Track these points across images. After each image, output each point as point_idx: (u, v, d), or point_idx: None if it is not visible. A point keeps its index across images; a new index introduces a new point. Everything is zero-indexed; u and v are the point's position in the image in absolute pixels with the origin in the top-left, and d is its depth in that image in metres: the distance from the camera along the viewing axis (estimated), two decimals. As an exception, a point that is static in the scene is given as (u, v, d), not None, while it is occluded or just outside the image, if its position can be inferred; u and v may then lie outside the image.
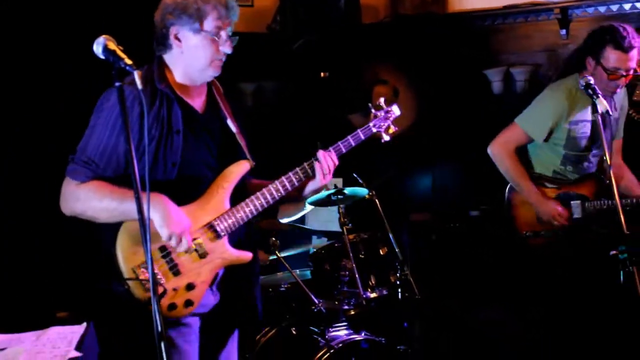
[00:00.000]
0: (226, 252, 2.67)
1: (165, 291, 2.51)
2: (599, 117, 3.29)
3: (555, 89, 3.96)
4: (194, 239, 2.58)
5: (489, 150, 4.08)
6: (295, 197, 2.93)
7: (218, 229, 2.65)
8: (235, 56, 2.74)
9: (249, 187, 2.82)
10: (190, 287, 2.58)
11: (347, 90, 5.44)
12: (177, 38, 2.62)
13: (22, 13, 4.00)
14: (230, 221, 2.67)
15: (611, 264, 3.15)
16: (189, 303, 2.58)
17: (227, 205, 2.69)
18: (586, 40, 3.94)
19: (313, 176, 2.82)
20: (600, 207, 3.83)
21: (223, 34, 2.63)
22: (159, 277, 2.52)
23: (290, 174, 2.78)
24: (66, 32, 3.99)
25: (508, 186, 4.08)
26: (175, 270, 2.57)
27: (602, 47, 3.77)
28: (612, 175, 3.24)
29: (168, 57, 2.68)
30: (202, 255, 2.62)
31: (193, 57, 2.64)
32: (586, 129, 3.91)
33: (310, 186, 2.88)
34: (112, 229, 2.54)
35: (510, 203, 4.07)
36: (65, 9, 4.09)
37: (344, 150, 2.89)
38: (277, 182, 2.76)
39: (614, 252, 3.13)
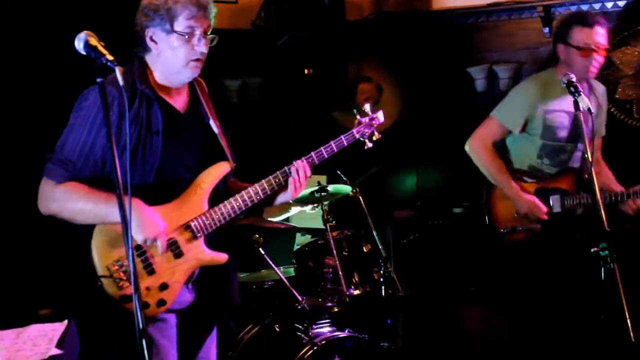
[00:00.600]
0: (202, 253, 2.66)
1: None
2: (581, 115, 3.31)
3: (529, 81, 4.03)
4: (170, 239, 2.57)
5: (467, 147, 4.07)
6: (270, 203, 2.92)
7: (195, 229, 2.63)
8: (220, 53, 2.73)
9: (229, 188, 2.80)
10: (163, 286, 2.57)
11: (332, 87, 5.44)
12: (152, 40, 2.60)
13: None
14: (207, 222, 2.65)
15: (592, 261, 3.17)
16: (161, 303, 2.57)
17: (206, 206, 2.67)
18: (554, 32, 4.03)
19: (285, 187, 2.80)
20: (580, 202, 3.84)
21: (197, 32, 2.58)
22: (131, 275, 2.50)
23: (264, 181, 2.76)
24: (47, 31, 3.96)
25: (486, 183, 4.05)
26: (149, 270, 2.55)
27: (569, 30, 3.84)
28: (592, 172, 3.27)
29: (148, 58, 2.66)
30: (177, 255, 2.61)
31: (168, 58, 2.61)
32: (563, 119, 3.91)
33: (281, 197, 2.87)
34: (88, 227, 2.52)
35: (489, 199, 4.05)
36: (49, 9, 4.07)
37: (326, 156, 2.87)
38: (251, 188, 2.74)
39: (595, 249, 3.15)
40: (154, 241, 2.49)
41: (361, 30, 5.47)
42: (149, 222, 2.49)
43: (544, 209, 3.85)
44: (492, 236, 4.01)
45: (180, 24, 2.57)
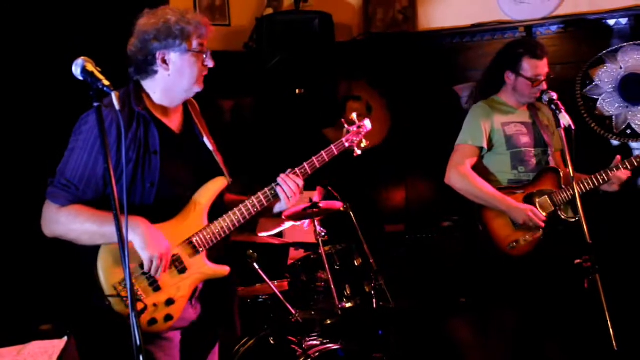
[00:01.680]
0: (205, 267, 2.67)
1: (145, 307, 2.51)
2: (562, 131, 3.34)
3: (476, 105, 4.11)
4: (173, 255, 2.58)
5: (447, 181, 4.02)
6: (268, 214, 2.93)
7: (196, 244, 2.65)
8: (214, 74, 2.75)
9: (226, 203, 2.81)
10: (170, 302, 2.57)
11: (322, 106, 5.45)
12: (164, 62, 2.62)
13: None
14: (208, 237, 2.67)
15: (576, 272, 3.18)
16: (168, 318, 2.57)
17: (205, 222, 2.69)
18: (500, 58, 4.11)
19: (278, 199, 2.81)
20: (567, 196, 3.85)
21: (205, 50, 2.66)
22: (139, 293, 2.51)
23: (260, 194, 2.78)
24: (45, 54, 3.96)
25: (476, 209, 3.96)
26: (155, 286, 2.56)
27: (519, 60, 3.94)
28: (575, 185, 3.29)
29: (149, 82, 2.67)
30: (181, 271, 2.61)
31: (181, 77, 2.64)
32: (519, 128, 3.98)
33: (277, 207, 2.89)
34: (93, 247, 2.53)
35: (483, 222, 3.93)
36: (45, 31, 4.07)
37: (317, 166, 2.88)
38: (248, 201, 2.76)
39: (578, 260, 3.16)
40: (160, 260, 2.49)
41: (350, 51, 5.49)
42: (155, 240, 2.50)
43: (542, 214, 3.83)
44: (497, 253, 3.91)
45: (194, 43, 2.62)
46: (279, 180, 2.80)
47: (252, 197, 2.78)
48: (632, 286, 4.49)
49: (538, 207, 3.87)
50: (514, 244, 3.84)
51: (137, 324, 2.06)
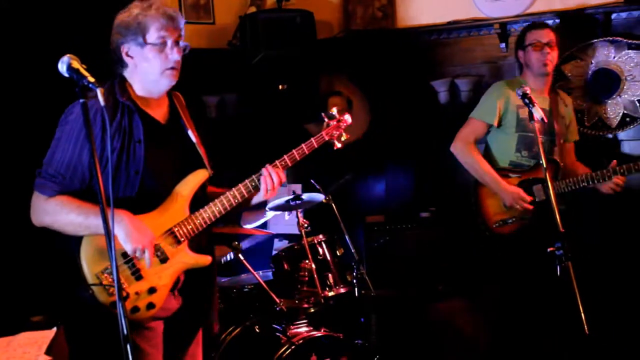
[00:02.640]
0: (186, 257, 2.65)
1: (127, 295, 2.50)
2: (535, 124, 3.35)
3: (497, 83, 4.21)
4: (155, 245, 2.56)
5: (452, 149, 4.15)
6: (248, 205, 2.92)
7: (178, 234, 2.63)
8: (199, 71, 2.74)
9: (208, 195, 2.80)
10: (152, 290, 2.56)
11: (304, 101, 5.44)
12: (128, 55, 2.61)
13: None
14: (189, 227, 2.65)
15: (549, 260, 3.19)
16: (151, 306, 2.56)
17: (187, 212, 2.67)
18: (515, 45, 4.23)
19: (258, 190, 2.80)
20: (561, 189, 3.89)
21: (169, 42, 2.60)
22: (121, 281, 2.49)
23: (240, 185, 2.77)
24: (30, 49, 3.93)
25: (472, 185, 4.10)
26: (137, 275, 2.55)
27: (524, 37, 4.09)
28: (547, 176, 3.31)
29: (126, 74, 2.67)
30: (163, 260, 2.60)
31: (145, 70, 2.62)
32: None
33: (257, 198, 2.87)
34: (77, 237, 2.52)
35: (477, 198, 4.08)
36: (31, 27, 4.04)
37: (298, 158, 2.87)
38: (229, 192, 2.74)
39: (551, 248, 3.18)
40: (143, 251, 2.48)
41: (331, 48, 5.48)
42: (138, 232, 2.48)
43: (528, 198, 3.89)
44: (484, 231, 4.03)
45: (152, 36, 2.58)
46: (261, 171, 2.79)
47: (233, 189, 2.76)
48: (607, 276, 4.54)
49: (535, 193, 3.92)
50: (500, 222, 3.92)
51: (124, 314, 2.04)
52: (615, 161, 3.88)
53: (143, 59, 2.60)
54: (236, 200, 2.74)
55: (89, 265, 2.51)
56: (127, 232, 2.45)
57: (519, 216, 3.92)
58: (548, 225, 3.86)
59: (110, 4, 2.78)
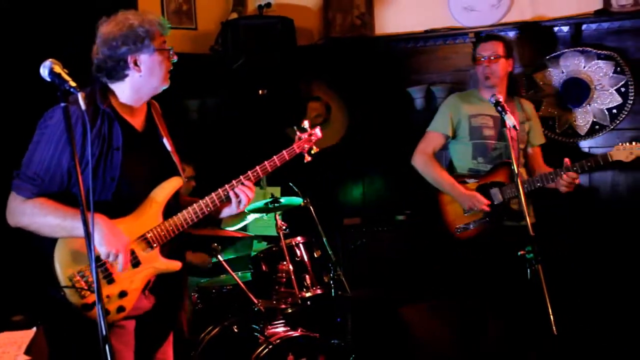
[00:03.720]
0: (157, 262, 2.65)
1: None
2: (507, 131, 3.38)
3: (450, 96, 4.35)
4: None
5: (412, 162, 4.27)
6: (218, 216, 2.91)
7: (150, 240, 2.63)
8: (181, 75, 2.75)
9: (181, 203, 2.80)
10: (122, 294, 2.56)
11: (284, 106, 5.44)
12: (136, 64, 2.59)
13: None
14: (162, 233, 2.65)
15: (519, 263, 3.22)
16: (121, 309, 2.55)
17: (161, 218, 2.67)
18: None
19: (229, 202, 2.81)
20: (529, 186, 3.94)
21: (168, 46, 2.66)
22: (93, 285, 2.48)
23: (213, 194, 2.77)
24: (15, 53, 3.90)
25: (432, 193, 4.15)
26: (109, 279, 2.54)
27: (475, 49, 4.19)
28: (519, 182, 3.33)
29: (118, 84, 2.64)
30: (135, 265, 2.60)
31: (152, 76, 2.62)
32: (486, 121, 4.12)
33: (227, 211, 2.88)
34: (51, 239, 2.50)
35: (438, 206, 4.14)
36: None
37: (269, 170, 2.89)
38: (202, 201, 2.75)
39: (522, 252, 3.20)
40: (116, 255, 2.47)
41: (311, 54, 5.49)
42: (113, 237, 2.47)
43: (485, 201, 3.93)
44: (447, 237, 4.10)
45: (158, 42, 2.61)
46: (232, 183, 2.80)
47: (206, 198, 2.77)
48: (575, 277, 4.58)
49: (492, 196, 3.96)
50: (462, 228, 3.96)
51: (103, 315, 2.03)
52: (567, 159, 3.93)
53: (152, 66, 2.61)
54: (208, 209, 2.75)
55: (62, 267, 2.49)
56: (103, 235, 2.44)
57: (478, 220, 3.98)
58: (508, 226, 3.94)
59: (97, 10, 2.77)
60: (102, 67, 2.61)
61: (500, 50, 4.10)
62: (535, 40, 4.87)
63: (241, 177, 2.81)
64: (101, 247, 2.44)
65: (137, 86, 2.63)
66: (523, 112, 4.23)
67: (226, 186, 2.79)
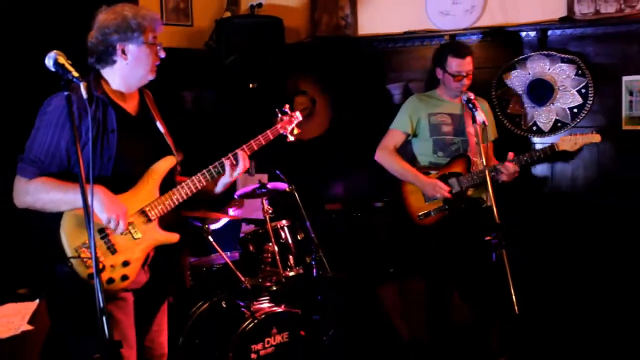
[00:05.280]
0: (156, 234, 2.67)
1: (104, 267, 2.50)
2: (477, 127, 3.40)
3: (410, 97, 4.34)
4: (128, 223, 2.57)
5: (376, 157, 4.26)
6: (213, 191, 2.93)
7: (149, 214, 2.65)
8: (178, 68, 2.75)
9: (177, 181, 2.82)
10: (125, 263, 2.57)
11: (273, 99, 5.41)
12: (123, 52, 2.61)
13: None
14: (160, 207, 2.67)
15: (485, 248, 3.25)
16: (124, 277, 2.57)
17: (157, 194, 2.69)
18: (434, 57, 4.25)
19: (223, 172, 2.83)
20: (472, 180, 3.99)
21: (158, 42, 2.66)
22: (98, 255, 2.49)
23: (205, 170, 2.80)
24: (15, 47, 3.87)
25: (396, 184, 4.18)
26: (112, 250, 2.56)
27: (445, 58, 4.08)
28: (487, 173, 3.36)
29: (108, 70, 2.66)
30: (136, 237, 2.61)
31: (138, 66, 2.64)
32: (445, 119, 4.15)
33: (222, 181, 2.89)
34: (57, 215, 2.51)
35: (402, 195, 4.15)
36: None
37: (255, 148, 2.92)
38: (195, 177, 2.78)
39: (488, 237, 3.23)
40: (117, 221, 2.48)
41: (298, 52, 5.47)
42: (113, 204, 2.49)
43: (446, 187, 3.97)
44: (410, 223, 4.10)
45: (148, 36, 2.62)
46: (229, 156, 2.84)
47: (198, 174, 2.80)
48: (534, 260, 4.62)
49: (451, 185, 3.99)
50: (423, 215, 3.99)
51: (101, 288, 2.04)
52: (511, 153, 3.98)
53: (138, 56, 2.62)
54: (201, 184, 2.77)
55: (68, 239, 2.51)
56: (102, 203, 2.46)
57: (438, 208, 4.01)
58: (465, 213, 3.97)
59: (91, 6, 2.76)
60: (94, 51, 2.63)
61: (472, 66, 4.09)
62: (504, 44, 4.89)
63: (236, 150, 2.85)
64: (102, 214, 2.46)
65: (124, 74, 2.65)
66: (480, 109, 4.22)
67: (222, 159, 2.82)
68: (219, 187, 2.92)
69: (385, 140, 4.26)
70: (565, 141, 3.93)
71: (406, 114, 4.19)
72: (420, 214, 4.05)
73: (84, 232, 2.49)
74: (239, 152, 2.85)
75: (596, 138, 3.94)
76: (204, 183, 2.78)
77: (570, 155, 4.43)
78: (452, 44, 4.24)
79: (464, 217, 3.96)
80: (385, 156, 4.19)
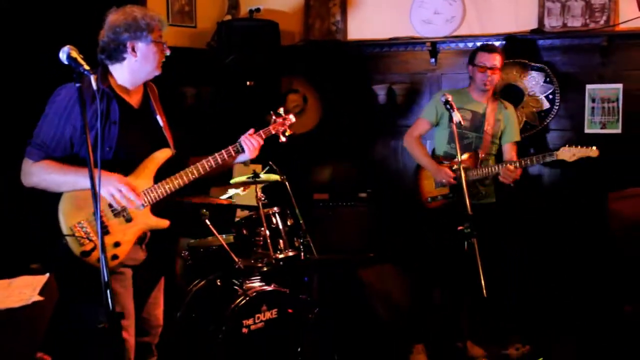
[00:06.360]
0: (148, 219, 2.68)
1: (95, 246, 2.50)
2: (454, 126, 3.40)
3: (440, 91, 4.39)
4: (122, 207, 2.57)
5: (404, 142, 4.33)
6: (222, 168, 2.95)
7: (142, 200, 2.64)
8: (181, 66, 2.75)
9: (189, 163, 2.82)
10: (116, 244, 2.58)
11: (268, 96, 5.42)
12: (133, 50, 2.60)
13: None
14: (152, 195, 2.67)
15: (459, 237, 3.26)
16: (114, 257, 2.58)
17: (152, 183, 2.69)
18: (469, 57, 4.23)
19: (242, 151, 2.89)
20: (478, 173, 4.02)
21: (164, 41, 2.66)
22: (91, 235, 2.50)
23: (223, 151, 2.85)
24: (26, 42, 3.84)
25: (415, 168, 4.27)
26: (105, 231, 2.55)
27: (475, 54, 4.13)
28: (461, 169, 3.37)
29: (117, 66, 2.65)
30: (128, 220, 2.62)
31: (146, 63, 2.63)
32: (465, 114, 4.13)
33: (241, 158, 2.95)
34: (57, 196, 2.53)
35: (417, 178, 4.23)
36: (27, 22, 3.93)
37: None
38: (204, 160, 2.81)
39: (461, 227, 3.24)
40: (119, 190, 2.47)
41: (292, 53, 5.48)
42: (109, 177, 2.51)
43: (451, 174, 4.04)
44: (420, 204, 4.18)
45: (156, 35, 2.61)
46: (241, 138, 2.90)
47: (192, 166, 2.79)
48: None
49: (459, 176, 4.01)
50: (431, 199, 4.08)
51: (106, 264, 2.04)
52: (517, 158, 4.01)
53: (146, 54, 2.62)
54: (193, 176, 2.76)
55: (65, 219, 2.52)
56: (103, 178, 2.45)
57: (445, 195, 4.05)
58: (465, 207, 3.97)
59: (99, 6, 2.75)
60: (105, 49, 2.63)
61: (499, 63, 4.07)
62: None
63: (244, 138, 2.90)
64: (103, 187, 2.46)
65: (132, 69, 2.64)
66: (504, 111, 4.22)
67: (237, 143, 2.88)
68: (238, 160, 2.97)
69: (412, 128, 4.30)
70: (564, 152, 3.86)
71: (434, 105, 4.20)
72: (429, 197, 4.10)
73: (80, 212, 2.52)
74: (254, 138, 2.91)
75: (594, 153, 3.81)
76: (196, 175, 2.77)
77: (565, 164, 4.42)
78: (484, 44, 4.23)
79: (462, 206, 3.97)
80: (411, 143, 4.25)
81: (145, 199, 2.65)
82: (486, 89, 4.10)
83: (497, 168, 3.97)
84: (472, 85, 4.19)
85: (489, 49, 4.10)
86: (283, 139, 3.07)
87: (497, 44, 4.84)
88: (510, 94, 4.79)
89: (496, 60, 4.05)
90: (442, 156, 4.20)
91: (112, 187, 2.51)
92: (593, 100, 4.61)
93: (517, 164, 3.92)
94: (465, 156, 4.07)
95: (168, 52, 2.69)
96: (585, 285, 4.55)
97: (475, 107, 4.10)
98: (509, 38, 4.78)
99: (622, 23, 4.48)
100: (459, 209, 3.83)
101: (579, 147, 3.85)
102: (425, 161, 4.17)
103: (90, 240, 2.49)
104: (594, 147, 3.82)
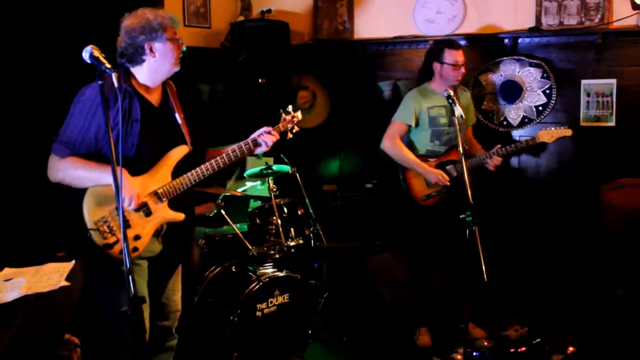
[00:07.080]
0: (166, 213, 2.67)
1: (117, 240, 2.51)
2: (455, 119, 3.38)
3: (411, 92, 4.19)
4: (142, 202, 2.58)
5: (382, 146, 4.15)
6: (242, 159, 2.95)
7: (160, 195, 2.65)
8: (196, 64, 2.74)
9: (208, 156, 2.83)
10: (137, 237, 2.58)
11: (278, 92, 5.42)
12: (152, 51, 2.58)
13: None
14: (170, 190, 2.67)
15: (460, 225, 3.25)
16: (135, 249, 2.59)
17: (169, 178, 2.68)
18: (428, 54, 4.17)
19: (259, 145, 2.87)
20: (472, 164, 3.98)
21: (178, 37, 2.64)
22: (113, 229, 2.51)
23: (242, 143, 2.84)
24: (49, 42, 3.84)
25: (399, 169, 4.11)
26: (127, 225, 2.55)
27: (442, 52, 4.02)
28: (463, 160, 3.35)
29: (137, 68, 2.63)
30: (147, 214, 2.62)
31: (165, 61, 2.61)
32: (440, 111, 4.07)
33: (258, 150, 2.91)
34: (81, 192, 2.53)
35: (405, 180, 4.09)
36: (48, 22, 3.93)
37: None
38: (225, 152, 2.80)
39: (463, 215, 3.22)
40: (130, 199, 2.49)
41: (301, 52, 5.46)
42: (129, 185, 2.50)
43: (447, 177, 3.94)
44: (413, 204, 4.07)
45: (170, 32, 2.58)
46: (258, 131, 2.88)
47: (229, 149, 2.80)
48: (503, 237, 4.65)
49: (449, 171, 3.98)
50: (425, 197, 3.97)
51: (128, 254, 2.05)
52: (499, 145, 3.97)
53: (164, 52, 2.59)
54: (208, 172, 2.75)
55: (89, 214, 2.52)
56: (122, 183, 2.45)
57: (439, 191, 3.98)
58: (460, 197, 3.95)
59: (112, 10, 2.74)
60: (125, 54, 2.61)
61: (464, 58, 4.06)
62: (481, 49, 4.88)
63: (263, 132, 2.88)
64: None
65: (153, 69, 2.62)
66: (464, 95, 4.22)
67: (253, 137, 2.86)
68: (257, 152, 2.94)
69: (390, 130, 4.13)
70: (542, 134, 3.93)
71: (410, 107, 4.07)
72: (422, 196, 4.01)
73: (103, 208, 2.52)
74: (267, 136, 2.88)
75: (568, 132, 3.93)
76: (211, 171, 2.76)
77: (546, 147, 4.45)
78: (445, 40, 4.14)
79: (458, 198, 3.94)
80: (393, 146, 4.07)
81: (163, 194, 2.65)
82: (455, 84, 4.07)
83: (485, 157, 3.96)
84: (437, 80, 4.08)
85: (455, 45, 4.03)
86: (290, 135, 3.06)
87: (496, 41, 4.83)
88: (509, 89, 4.76)
89: (463, 55, 4.04)
90: (426, 155, 4.09)
91: (129, 194, 2.51)
92: (588, 95, 4.58)
93: (503, 152, 3.91)
94: (453, 151, 4.05)
95: (184, 48, 2.66)
96: (578, 271, 4.54)
97: (443, 101, 3.98)
98: (508, 36, 4.74)
99: (616, 21, 4.43)
100: (456, 199, 3.85)
101: (555, 128, 3.95)
102: (414, 163, 4.01)
103: (113, 235, 2.50)
104: (568, 127, 3.94)
